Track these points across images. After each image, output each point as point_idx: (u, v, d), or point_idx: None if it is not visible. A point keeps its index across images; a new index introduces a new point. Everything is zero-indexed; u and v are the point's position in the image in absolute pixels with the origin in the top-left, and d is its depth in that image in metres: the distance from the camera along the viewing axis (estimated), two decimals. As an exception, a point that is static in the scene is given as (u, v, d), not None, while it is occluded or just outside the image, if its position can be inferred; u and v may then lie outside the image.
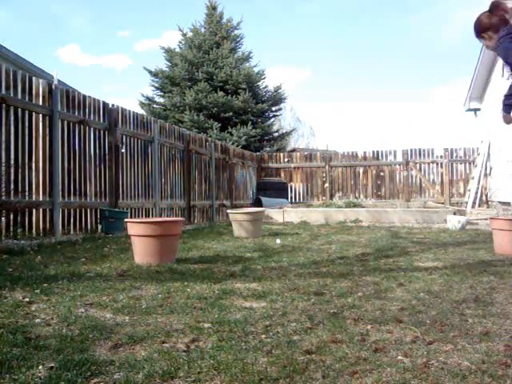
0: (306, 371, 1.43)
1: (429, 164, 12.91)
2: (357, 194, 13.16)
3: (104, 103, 6.34)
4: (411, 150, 12.99)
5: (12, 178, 4.76)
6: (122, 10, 57.45)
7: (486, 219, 7.86)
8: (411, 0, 56.68)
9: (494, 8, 3.46)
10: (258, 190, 12.74)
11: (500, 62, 10.52)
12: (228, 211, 6.50)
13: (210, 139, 10.23)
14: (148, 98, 16.58)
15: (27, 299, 2.31)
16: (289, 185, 13.55)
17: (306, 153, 15.00)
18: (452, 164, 12.78)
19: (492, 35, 3.47)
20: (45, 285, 2.62)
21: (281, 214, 8.94)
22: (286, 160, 13.80)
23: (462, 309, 2.18)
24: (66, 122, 5.59)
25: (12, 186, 4.74)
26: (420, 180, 12.92)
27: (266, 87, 17.05)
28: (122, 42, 57.71)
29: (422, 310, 2.16)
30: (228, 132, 14.99)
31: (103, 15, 57.63)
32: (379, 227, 7.15)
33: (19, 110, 4.91)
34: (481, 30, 3.50)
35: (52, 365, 1.44)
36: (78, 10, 55.91)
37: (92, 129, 6.05)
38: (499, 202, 10.22)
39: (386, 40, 59.00)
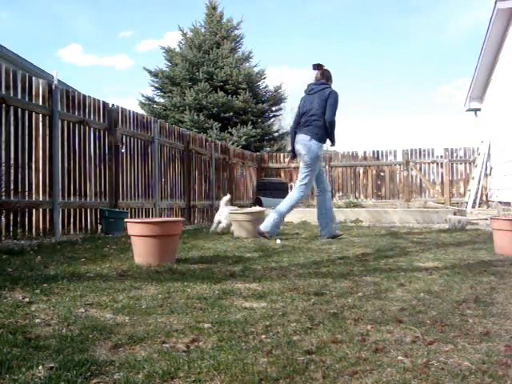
0: (306, 371, 1.43)
1: (429, 164, 12.92)
2: (357, 194, 13.17)
3: (104, 103, 6.34)
4: (411, 150, 12.99)
5: (12, 177, 4.76)
6: (124, 10, 57.49)
7: (486, 219, 7.86)
8: (412, 1, 56.73)
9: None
10: (258, 190, 12.75)
11: (500, 62, 10.52)
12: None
13: (210, 139, 10.24)
14: (148, 98, 16.59)
15: (27, 299, 2.31)
16: (289, 185, 13.55)
17: (306, 153, 14.99)
18: (452, 164, 12.78)
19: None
20: (45, 285, 2.62)
21: (281, 214, 8.92)
22: (286, 160, 13.79)
23: (463, 309, 2.17)
24: (66, 122, 5.59)
25: (12, 186, 4.74)
26: (420, 180, 12.92)
27: (266, 87, 17.06)
28: (123, 42, 57.74)
29: (422, 310, 2.16)
30: (228, 132, 15.00)
31: (105, 16, 57.66)
32: (379, 227, 7.16)
33: (19, 109, 4.91)
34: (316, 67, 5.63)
35: (52, 365, 1.44)
36: (80, 11, 55.94)
37: (92, 129, 6.06)
38: (499, 202, 10.22)
39: (386, 40, 59.03)
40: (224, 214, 6.37)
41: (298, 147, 5.44)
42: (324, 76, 5.55)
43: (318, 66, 5.57)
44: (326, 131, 5.36)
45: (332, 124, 5.31)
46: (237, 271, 3.20)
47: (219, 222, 6.43)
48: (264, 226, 5.33)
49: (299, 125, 5.50)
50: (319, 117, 5.31)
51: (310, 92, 5.48)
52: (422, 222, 7.81)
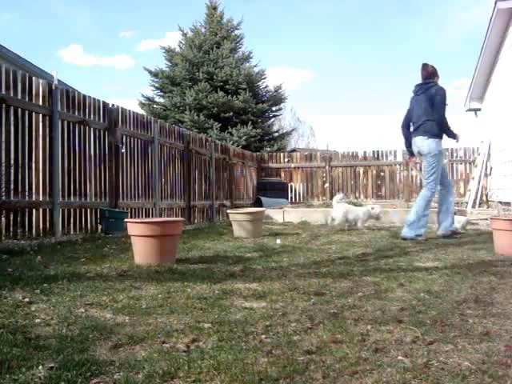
0: (306, 371, 1.43)
1: (429, 164, 12.89)
2: (357, 194, 13.17)
3: (104, 103, 6.34)
4: (411, 150, 12.97)
5: (12, 178, 4.76)
6: (124, 10, 57.59)
7: (486, 219, 7.85)
8: (412, 2, 56.74)
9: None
10: (258, 190, 12.74)
11: (500, 62, 10.52)
12: (228, 211, 6.50)
13: (210, 139, 10.24)
14: (148, 98, 16.59)
15: (27, 299, 2.31)
16: (289, 185, 13.55)
17: (306, 153, 15.00)
18: (452, 164, 12.77)
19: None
20: (45, 285, 2.62)
21: (281, 213, 8.94)
22: (286, 160, 13.79)
23: (463, 309, 2.18)
24: (66, 122, 5.59)
25: (12, 186, 4.73)
26: (420, 180, 12.90)
27: (266, 87, 17.06)
28: (124, 42, 57.85)
29: (422, 310, 2.16)
30: (228, 132, 15.00)
31: (106, 16, 57.72)
32: (379, 227, 7.15)
33: (19, 110, 4.91)
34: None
35: (52, 365, 1.44)
36: (80, 11, 55.99)
37: (92, 129, 6.05)
38: (499, 202, 10.22)
39: (386, 40, 59.09)
40: (336, 210, 6.79)
41: (418, 149, 5.52)
42: (429, 74, 5.54)
43: (423, 66, 5.57)
44: (439, 128, 5.40)
45: (441, 121, 5.34)
46: (237, 271, 3.20)
47: (333, 219, 6.88)
48: (405, 232, 5.36)
49: (413, 129, 5.60)
50: (430, 116, 5.37)
51: (417, 93, 5.55)
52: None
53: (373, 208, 6.87)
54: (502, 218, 4.28)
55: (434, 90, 5.40)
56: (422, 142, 5.45)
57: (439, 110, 5.32)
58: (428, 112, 5.39)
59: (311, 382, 1.37)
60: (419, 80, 5.64)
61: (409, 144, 5.74)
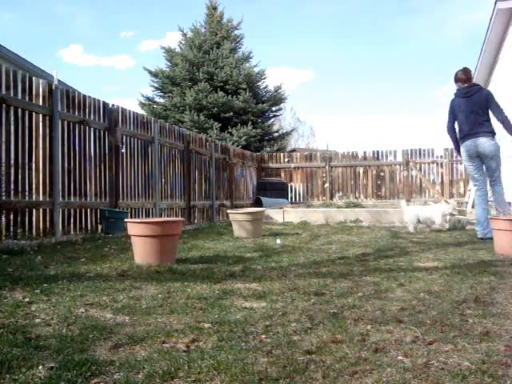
0: (306, 371, 1.43)
1: (429, 164, 12.90)
2: (357, 194, 13.16)
3: (104, 103, 6.34)
4: (411, 150, 12.98)
5: (12, 178, 4.76)
6: (125, 10, 57.60)
7: (486, 219, 7.83)
8: (413, 2, 56.75)
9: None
10: (258, 190, 12.74)
11: (500, 62, 10.52)
12: (228, 211, 6.50)
13: (210, 139, 10.23)
14: (148, 99, 16.58)
15: (27, 299, 2.31)
16: (289, 185, 13.55)
17: (306, 153, 14.99)
18: (452, 164, 12.77)
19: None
20: (45, 285, 2.62)
21: (281, 214, 8.94)
22: (286, 160, 13.79)
23: (462, 309, 2.18)
24: (66, 122, 5.59)
25: (12, 186, 4.74)
26: (420, 180, 12.91)
27: (266, 87, 17.06)
28: (124, 42, 57.86)
29: (422, 310, 2.16)
30: (228, 132, 14.99)
31: (106, 16, 57.74)
32: (379, 227, 7.15)
33: (19, 109, 4.91)
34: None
35: (52, 365, 1.44)
36: (81, 11, 56.00)
37: (92, 129, 6.05)
38: (499, 202, 10.20)
39: (387, 41, 59.10)
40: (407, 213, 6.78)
41: (482, 150, 5.57)
42: (470, 77, 5.68)
43: (463, 71, 5.68)
44: (506, 128, 5.57)
45: (506, 121, 5.48)
46: (237, 271, 3.20)
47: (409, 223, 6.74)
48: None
49: (468, 129, 5.62)
50: (487, 116, 5.53)
51: (467, 95, 5.59)
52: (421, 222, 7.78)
53: (453, 209, 6.65)
54: (502, 218, 4.28)
55: (486, 93, 5.56)
56: (488, 144, 5.55)
57: (502, 112, 5.47)
58: (486, 113, 5.53)
59: (311, 381, 1.37)
60: (454, 85, 5.71)
61: (458, 145, 5.79)
